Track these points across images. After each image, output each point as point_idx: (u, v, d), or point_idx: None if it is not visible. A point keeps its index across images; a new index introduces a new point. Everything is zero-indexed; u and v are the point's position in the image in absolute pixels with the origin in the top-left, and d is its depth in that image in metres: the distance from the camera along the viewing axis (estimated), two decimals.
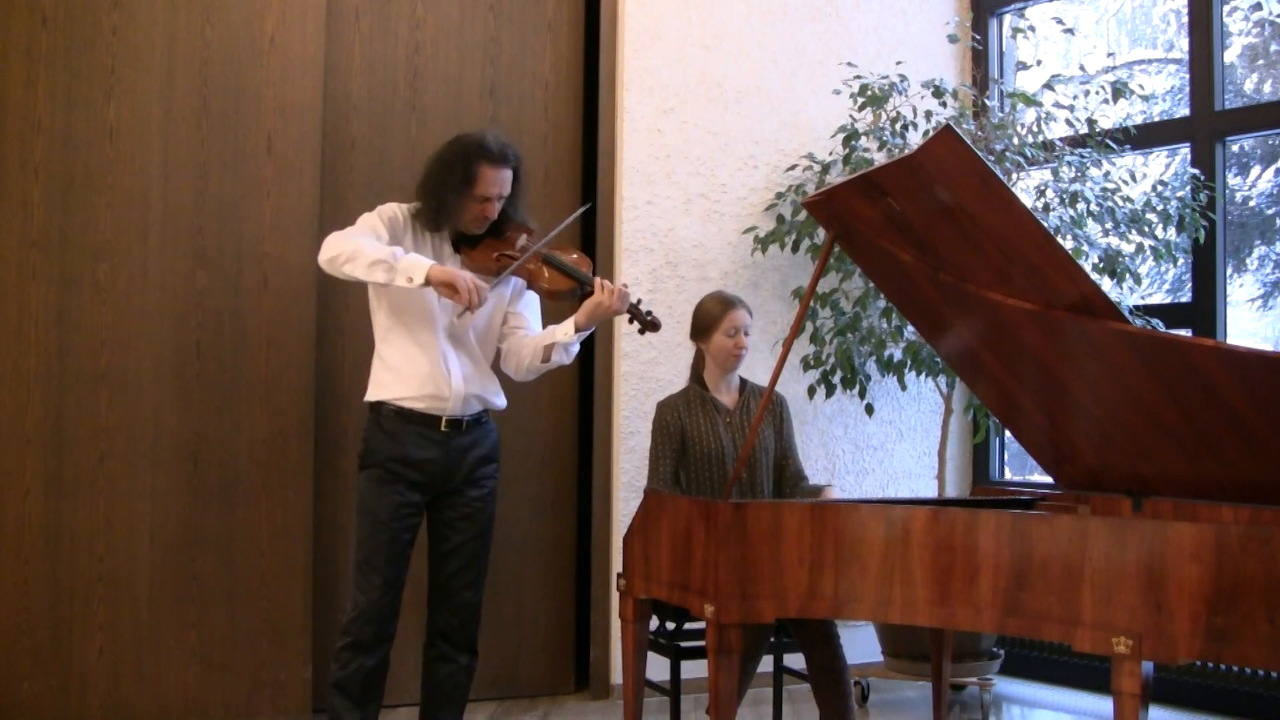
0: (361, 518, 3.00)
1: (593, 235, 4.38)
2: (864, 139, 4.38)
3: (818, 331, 4.34)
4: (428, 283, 2.79)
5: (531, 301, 3.20)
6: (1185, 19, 4.53)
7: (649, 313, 3.07)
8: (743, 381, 3.36)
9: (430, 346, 2.99)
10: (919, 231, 2.59)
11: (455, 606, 3.08)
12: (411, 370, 2.98)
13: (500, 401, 3.15)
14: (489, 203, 2.98)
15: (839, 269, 4.35)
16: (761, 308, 4.49)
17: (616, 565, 4.09)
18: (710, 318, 3.26)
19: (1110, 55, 4.87)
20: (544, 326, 3.20)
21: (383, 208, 3.03)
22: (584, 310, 3.00)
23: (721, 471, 3.21)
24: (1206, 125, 4.40)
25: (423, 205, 3.01)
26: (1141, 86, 4.58)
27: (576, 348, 3.12)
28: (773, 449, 3.32)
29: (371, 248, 2.83)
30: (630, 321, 3.07)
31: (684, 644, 3.27)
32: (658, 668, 3.26)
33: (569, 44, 4.48)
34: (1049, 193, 4.25)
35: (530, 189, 3.23)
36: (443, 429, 3.00)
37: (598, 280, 2.99)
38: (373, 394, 3.04)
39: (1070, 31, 4.50)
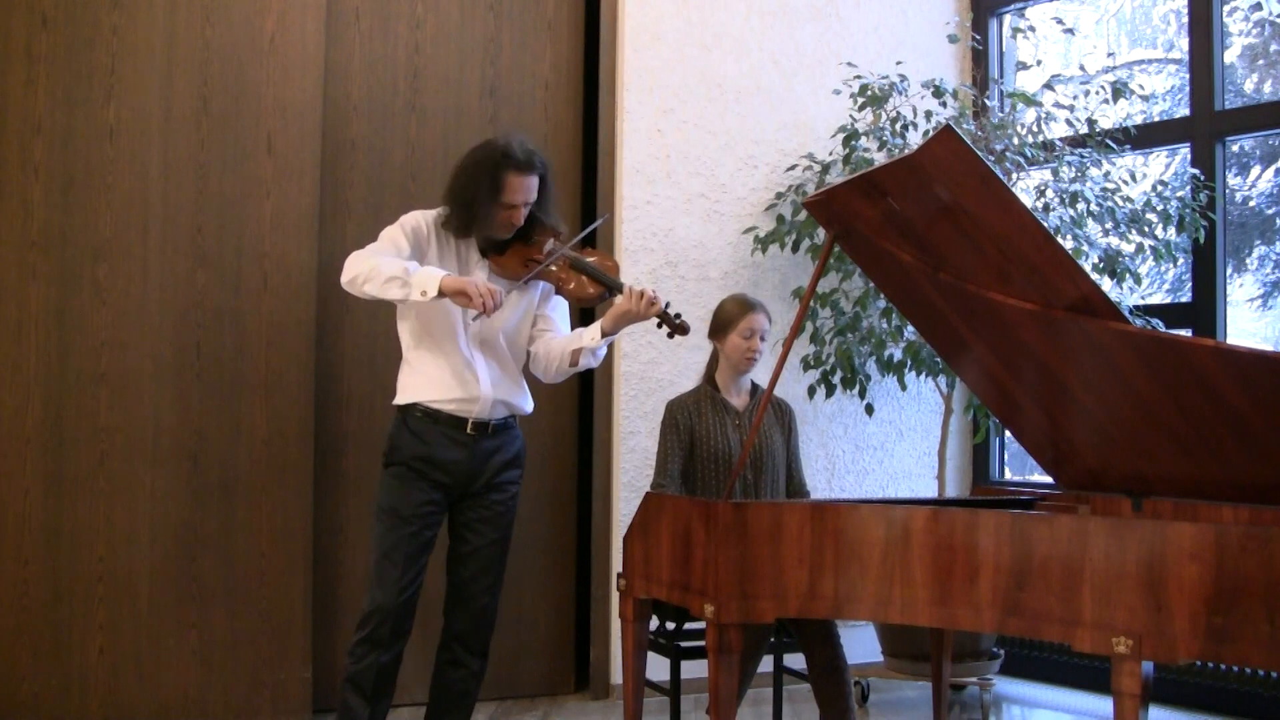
0: (382, 514, 2.99)
1: (593, 235, 4.38)
2: (864, 139, 4.38)
3: (818, 331, 4.34)
4: (441, 294, 2.79)
5: (560, 305, 3.19)
6: (1185, 19, 4.53)
7: (678, 315, 2.99)
8: (754, 385, 3.38)
9: (456, 353, 2.99)
10: (919, 231, 2.59)
11: (472, 610, 3.07)
12: (439, 374, 2.98)
13: (527, 406, 3.14)
14: (515, 210, 2.97)
15: (839, 269, 4.34)
16: None
17: (616, 565, 4.09)
18: (729, 317, 3.27)
19: (1110, 55, 4.87)
20: (574, 327, 3.19)
21: (405, 218, 3.02)
22: (610, 316, 2.97)
23: (728, 472, 3.21)
24: (1206, 125, 4.40)
25: (451, 212, 3.00)
26: (1141, 86, 4.58)
27: (604, 351, 3.10)
28: (781, 454, 3.32)
29: (387, 265, 2.83)
30: (659, 326, 3.00)
31: (684, 644, 3.27)
32: (658, 668, 3.26)
33: (569, 44, 4.48)
34: (1049, 193, 4.25)
35: (558, 193, 3.21)
36: (469, 431, 3.00)
37: (628, 287, 2.95)
38: (402, 397, 3.04)
39: (1070, 31, 4.50)
